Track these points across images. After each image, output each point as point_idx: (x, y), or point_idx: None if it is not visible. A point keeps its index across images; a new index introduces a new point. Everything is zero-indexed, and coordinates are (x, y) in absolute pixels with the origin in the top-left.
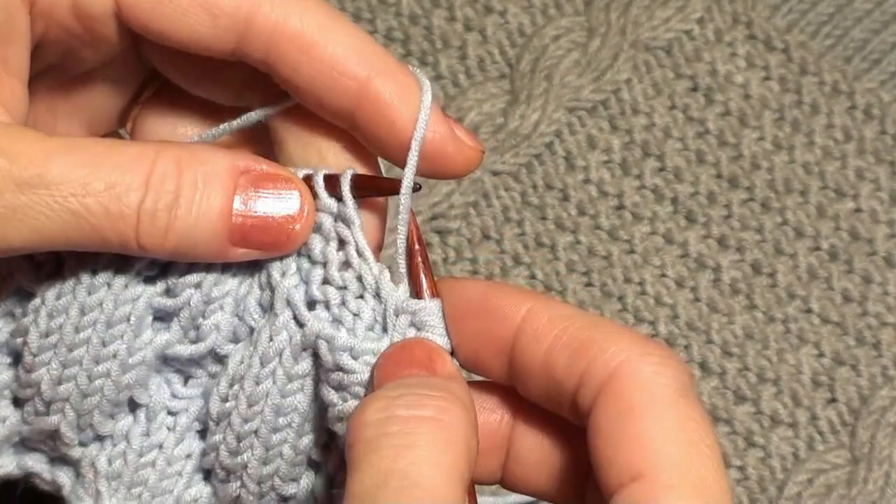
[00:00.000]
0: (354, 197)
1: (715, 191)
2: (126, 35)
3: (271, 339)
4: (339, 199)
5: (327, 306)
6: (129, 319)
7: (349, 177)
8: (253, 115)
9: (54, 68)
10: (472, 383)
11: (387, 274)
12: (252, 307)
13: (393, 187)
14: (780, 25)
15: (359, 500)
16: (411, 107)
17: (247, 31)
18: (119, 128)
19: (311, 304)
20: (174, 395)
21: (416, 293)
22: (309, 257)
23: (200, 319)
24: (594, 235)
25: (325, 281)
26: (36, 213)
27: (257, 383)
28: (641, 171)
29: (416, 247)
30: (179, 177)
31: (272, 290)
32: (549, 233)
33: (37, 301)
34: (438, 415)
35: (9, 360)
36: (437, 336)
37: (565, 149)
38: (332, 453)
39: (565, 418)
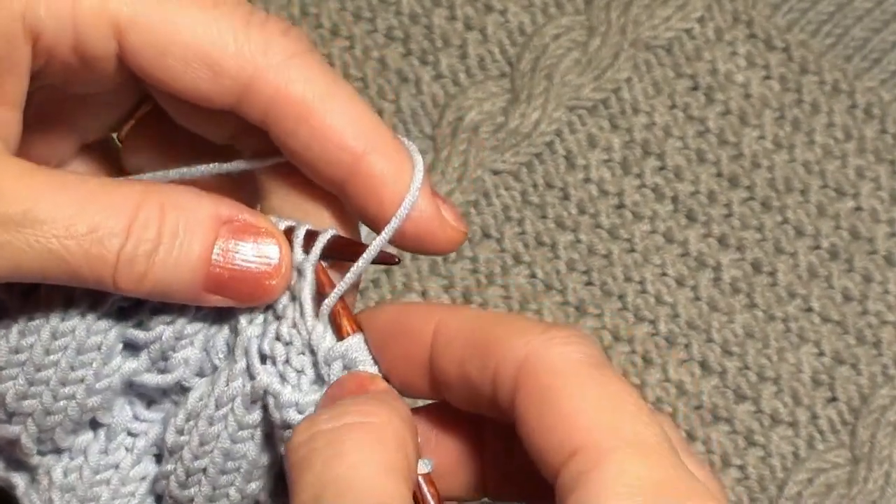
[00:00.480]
0: (329, 257)
1: (715, 190)
2: (126, 72)
3: (227, 384)
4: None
5: (274, 362)
6: (99, 348)
7: (328, 236)
8: (242, 164)
9: (48, 87)
10: (433, 405)
11: (319, 328)
12: (220, 345)
13: (380, 260)
14: (781, 24)
15: None
16: (401, 186)
17: (247, 92)
18: (111, 133)
19: (263, 358)
20: (136, 418)
21: (338, 335)
22: (274, 310)
23: (171, 352)
24: (594, 234)
25: (277, 336)
26: (17, 249)
27: (210, 424)
28: (642, 170)
29: (327, 291)
30: (161, 223)
31: (236, 335)
32: (550, 232)
33: (7, 318)
34: (362, 418)
35: None
36: (367, 367)
37: (566, 148)
38: (280, 499)
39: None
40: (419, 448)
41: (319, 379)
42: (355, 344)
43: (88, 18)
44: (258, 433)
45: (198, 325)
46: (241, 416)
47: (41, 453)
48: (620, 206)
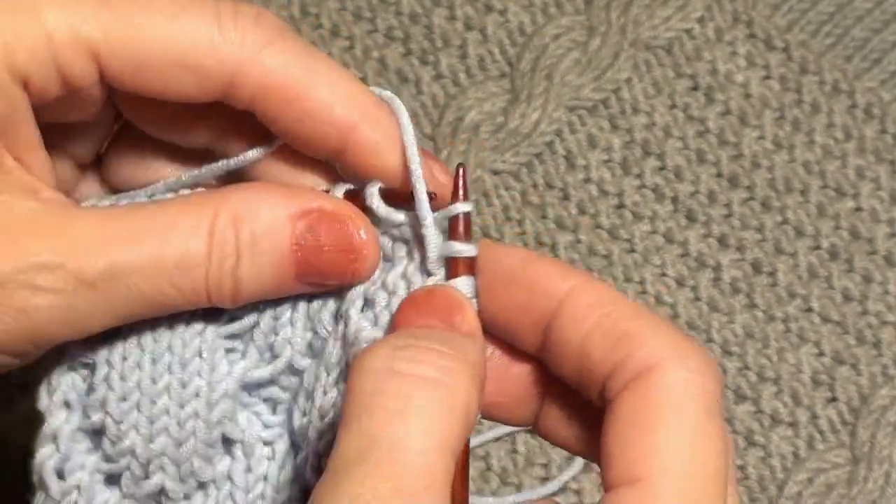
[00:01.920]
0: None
1: (715, 190)
2: (108, 92)
3: (332, 350)
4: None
5: (373, 306)
6: (201, 354)
7: (377, 187)
8: (248, 156)
9: (39, 119)
10: None
11: (437, 267)
12: (327, 319)
13: (409, 197)
14: (781, 24)
15: (343, 460)
16: (395, 150)
17: (231, 86)
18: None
19: (364, 307)
20: (265, 426)
21: (450, 274)
22: (383, 265)
23: (273, 337)
24: (594, 234)
25: (383, 284)
26: (111, 304)
27: (325, 393)
28: (642, 170)
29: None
30: (238, 234)
31: (342, 302)
32: (550, 232)
33: (103, 370)
34: (442, 376)
35: (89, 444)
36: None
37: (566, 148)
38: None
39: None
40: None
41: None
42: (462, 284)
43: (66, 50)
44: None
45: (289, 304)
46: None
47: (187, 497)
48: (620, 206)
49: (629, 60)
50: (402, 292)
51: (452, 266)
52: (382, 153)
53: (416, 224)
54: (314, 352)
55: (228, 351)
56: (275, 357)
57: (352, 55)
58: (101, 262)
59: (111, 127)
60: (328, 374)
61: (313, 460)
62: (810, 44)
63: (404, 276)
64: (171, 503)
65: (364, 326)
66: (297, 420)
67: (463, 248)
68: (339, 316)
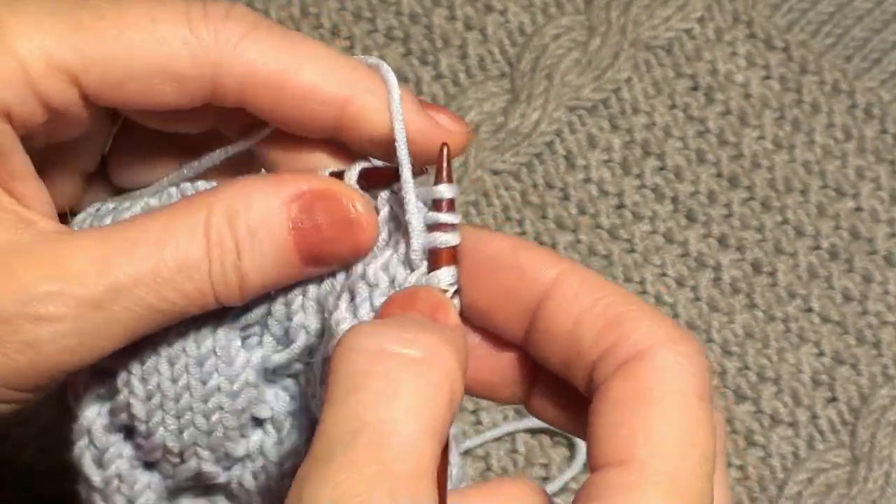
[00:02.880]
0: (366, 188)
1: (715, 190)
2: (95, 108)
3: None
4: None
5: (353, 298)
6: (215, 352)
7: (359, 168)
8: (239, 145)
9: (33, 143)
10: None
11: (419, 259)
12: (333, 304)
13: (393, 174)
14: (781, 24)
15: (328, 444)
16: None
17: (215, 86)
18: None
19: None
20: (293, 398)
21: (432, 265)
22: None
23: (287, 323)
24: (594, 234)
25: (363, 276)
26: (120, 321)
27: None
28: (642, 170)
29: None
30: (234, 229)
31: (349, 278)
32: (550, 232)
33: (123, 375)
34: (428, 355)
35: (121, 435)
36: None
37: (566, 148)
38: None
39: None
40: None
41: None
42: (444, 275)
43: (42, 77)
44: None
45: (299, 291)
46: None
47: (226, 469)
48: (620, 206)
49: (629, 60)
50: (383, 286)
51: (435, 255)
52: (381, 121)
53: (400, 208)
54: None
55: (245, 340)
56: (290, 339)
57: (352, 55)
58: (103, 282)
59: (110, 130)
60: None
61: None
62: (810, 44)
63: (386, 268)
64: (210, 480)
65: (345, 318)
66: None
67: (446, 239)
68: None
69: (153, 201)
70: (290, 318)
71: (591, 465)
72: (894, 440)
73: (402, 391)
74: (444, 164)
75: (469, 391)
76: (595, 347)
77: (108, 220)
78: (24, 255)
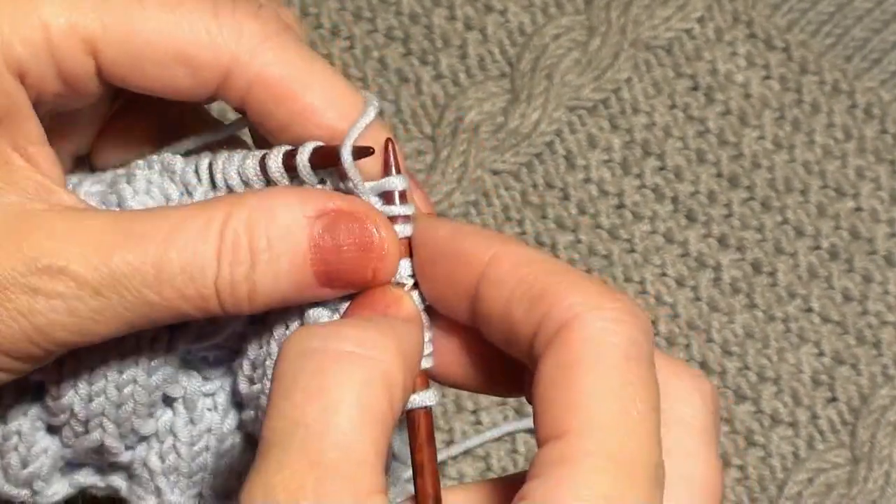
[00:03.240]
0: (318, 166)
1: (715, 190)
2: (105, 84)
3: (286, 329)
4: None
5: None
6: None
7: (311, 148)
8: (219, 133)
9: (40, 115)
10: None
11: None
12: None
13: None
14: (781, 24)
15: (268, 445)
16: (381, 156)
17: (226, 80)
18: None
19: None
20: (206, 379)
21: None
22: None
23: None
24: (594, 234)
25: None
26: (117, 310)
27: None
28: (642, 170)
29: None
30: (251, 239)
31: None
32: (550, 232)
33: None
34: (356, 348)
35: (30, 396)
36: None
37: (566, 148)
38: None
39: None
40: (413, 381)
41: None
42: (401, 266)
43: (62, 42)
44: None
45: None
46: None
47: (129, 448)
48: (620, 206)
49: (629, 60)
50: None
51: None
52: (367, 164)
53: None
54: (255, 320)
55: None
56: (217, 327)
57: (352, 55)
58: (104, 269)
59: (106, 117)
60: (279, 346)
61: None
62: (810, 44)
63: None
64: (112, 456)
65: (320, 315)
66: (244, 386)
67: (400, 230)
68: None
69: (154, 176)
70: None
71: (538, 443)
72: (894, 440)
73: (331, 385)
74: (392, 157)
75: (464, 387)
76: (527, 324)
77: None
78: (35, 224)
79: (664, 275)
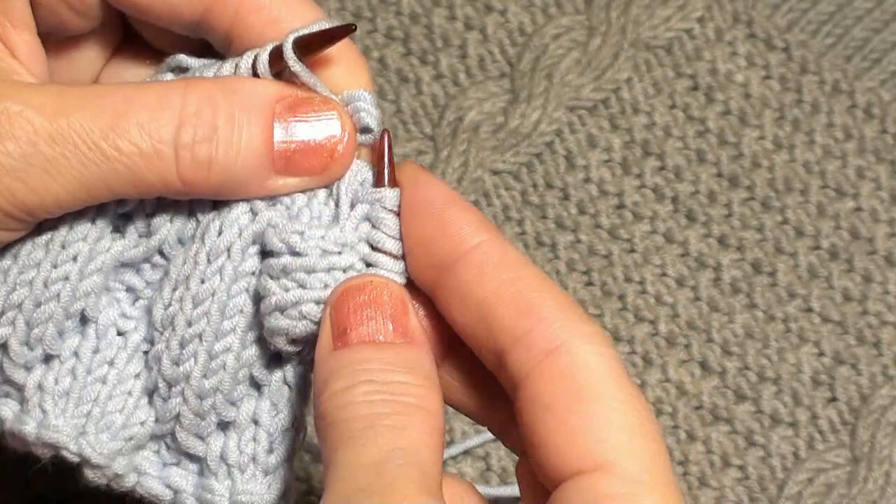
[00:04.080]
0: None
1: (715, 190)
2: (107, 8)
3: (220, 233)
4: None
5: (288, 206)
6: (94, 220)
7: (292, 38)
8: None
9: (43, 35)
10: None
11: (364, 168)
12: (207, 205)
13: (336, 34)
14: (781, 24)
15: (362, 471)
16: (363, 79)
17: (216, 2)
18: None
19: (273, 203)
20: (123, 315)
21: (376, 181)
22: None
23: (154, 216)
24: (594, 234)
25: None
26: (71, 163)
27: (202, 281)
28: (642, 170)
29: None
30: (215, 108)
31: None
32: (550, 232)
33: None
34: (422, 403)
35: None
36: (390, 238)
37: (566, 148)
38: (273, 375)
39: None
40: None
41: (336, 220)
42: (390, 198)
43: None
44: (253, 284)
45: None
46: (238, 263)
47: (28, 368)
48: (620, 206)
49: (629, 60)
50: (321, 195)
51: (378, 171)
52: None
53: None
54: (184, 241)
55: (115, 230)
56: (151, 232)
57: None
58: (62, 119)
59: (112, 46)
60: (210, 262)
61: (174, 350)
62: (810, 44)
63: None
64: (10, 365)
65: (283, 221)
66: (160, 312)
67: (388, 195)
68: (222, 205)
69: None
70: (158, 212)
71: (553, 476)
72: (894, 440)
73: (413, 428)
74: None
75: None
76: (507, 332)
77: None
78: (4, 75)
79: (664, 275)
